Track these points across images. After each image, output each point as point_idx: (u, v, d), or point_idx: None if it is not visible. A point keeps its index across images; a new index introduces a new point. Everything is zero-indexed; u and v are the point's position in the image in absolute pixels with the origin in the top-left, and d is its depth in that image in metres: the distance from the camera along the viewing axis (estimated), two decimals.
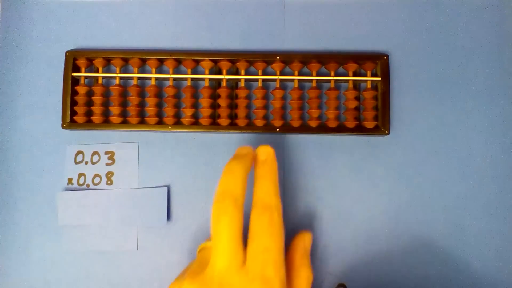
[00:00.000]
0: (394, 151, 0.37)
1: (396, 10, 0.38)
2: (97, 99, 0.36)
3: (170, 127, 0.36)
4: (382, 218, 0.36)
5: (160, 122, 0.37)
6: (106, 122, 0.37)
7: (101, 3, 0.38)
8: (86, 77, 0.37)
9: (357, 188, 0.36)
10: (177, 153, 0.37)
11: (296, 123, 0.36)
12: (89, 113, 0.37)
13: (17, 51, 0.38)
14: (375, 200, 0.36)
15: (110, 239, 0.37)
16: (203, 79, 0.37)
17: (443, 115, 0.37)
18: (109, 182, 0.37)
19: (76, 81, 0.37)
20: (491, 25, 0.37)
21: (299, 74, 0.37)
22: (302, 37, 0.38)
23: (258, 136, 0.37)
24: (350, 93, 0.36)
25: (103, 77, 0.37)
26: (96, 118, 0.36)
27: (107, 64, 0.38)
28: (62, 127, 0.36)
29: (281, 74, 0.37)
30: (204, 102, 0.36)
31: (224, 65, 0.36)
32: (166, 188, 0.37)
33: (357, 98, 0.36)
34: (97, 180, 0.37)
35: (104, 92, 0.37)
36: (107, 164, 0.37)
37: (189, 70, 0.37)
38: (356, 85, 0.37)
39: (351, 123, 0.36)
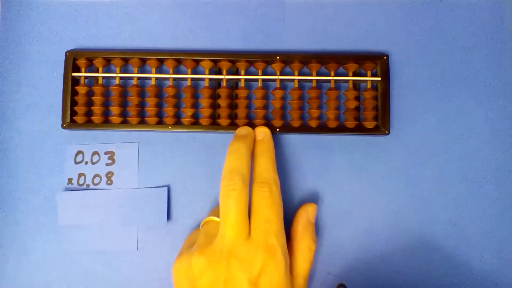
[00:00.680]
0: (394, 151, 0.37)
1: (396, 10, 0.38)
2: (97, 99, 0.36)
3: (170, 127, 0.36)
4: (382, 218, 0.36)
5: (160, 122, 0.37)
6: (106, 122, 0.37)
7: (101, 3, 0.38)
8: (86, 77, 0.37)
9: (357, 188, 0.36)
10: (177, 153, 0.37)
11: (296, 123, 0.36)
12: (89, 113, 0.37)
13: (17, 51, 0.38)
14: (375, 200, 0.36)
15: (110, 239, 0.37)
16: (203, 79, 0.37)
17: (443, 115, 0.37)
18: (109, 182, 0.37)
19: (76, 81, 0.37)
20: (491, 25, 0.37)
21: (299, 74, 0.37)
22: (302, 37, 0.38)
23: None
24: (350, 93, 0.36)
25: (103, 77, 0.37)
26: (96, 118, 0.36)
27: (107, 64, 0.38)
28: (62, 127, 0.36)
29: (281, 74, 0.37)
30: (204, 102, 0.36)
31: (224, 65, 0.36)
32: (166, 188, 0.37)
33: (357, 98, 0.36)
34: (97, 180, 0.37)
35: (104, 92, 0.37)
36: (107, 164, 0.37)
37: (189, 70, 0.37)
38: (356, 85, 0.37)
39: (351, 123, 0.36)
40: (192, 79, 0.37)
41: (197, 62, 0.37)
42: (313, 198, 0.36)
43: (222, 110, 0.36)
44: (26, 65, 0.38)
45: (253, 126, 0.35)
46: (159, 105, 0.37)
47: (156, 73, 0.37)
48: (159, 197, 0.37)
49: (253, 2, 0.38)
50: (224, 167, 0.31)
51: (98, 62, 0.37)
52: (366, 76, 0.36)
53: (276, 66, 0.36)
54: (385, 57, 0.36)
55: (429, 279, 0.35)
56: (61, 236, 0.37)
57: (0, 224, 0.37)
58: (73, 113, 0.37)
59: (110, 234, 0.37)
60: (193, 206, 0.37)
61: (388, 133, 0.35)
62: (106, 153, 0.37)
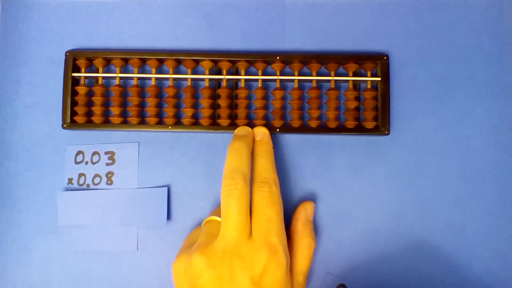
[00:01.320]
0: (394, 151, 0.37)
1: (396, 10, 0.38)
2: (97, 99, 0.36)
3: (170, 127, 0.36)
4: (382, 218, 0.36)
5: (160, 122, 0.37)
6: (106, 122, 0.37)
7: (101, 3, 0.38)
8: (86, 77, 0.37)
9: (357, 188, 0.36)
10: (177, 153, 0.37)
11: (296, 123, 0.36)
12: (89, 113, 0.37)
13: (17, 51, 0.38)
14: (375, 200, 0.36)
15: (110, 239, 0.37)
16: (203, 79, 0.37)
17: (443, 115, 0.37)
18: (109, 182, 0.37)
19: (76, 81, 0.37)
20: (491, 25, 0.37)
21: (299, 74, 0.37)
22: (302, 37, 0.38)
23: None
24: (350, 93, 0.36)
25: (103, 77, 0.37)
26: (96, 118, 0.36)
27: (107, 64, 0.38)
28: (62, 127, 0.36)
29: (281, 74, 0.37)
30: (204, 102, 0.36)
31: (224, 65, 0.36)
32: (166, 188, 0.37)
33: (357, 98, 0.36)
34: (97, 180, 0.37)
35: (104, 92, 0.37)
36: (107, 164, 0.37)
37: (189, 70, 0.37)
38: (356, 85, 0.37)
39: (351, 123, 0.36)
40: (192, 79, 0.37)
41: (197, 62, 0.37)
42: (313, 198, 0.36)
43: (222, 110, 0.36)
44: (26, 65, 0.38)
45: (253, 126, 0.35)
46: (159, 105, 0.37)
47: (156, 73, 0.37)
48: (159, 197, 0.37)
49: (253, 2, 0.38)
50: (225, 166, 0.31)
51: (98, 62, 0.37)
52: (366, 76, 0.36)
53: (276, 66, 0.36)
54: (385, 57, 0.36)
55: (429, 279, 0.35)
56: (61, 236, 0.37)
57: (1, 224, 0.37)
58: (73, 113, 0.37)
59: (110, 234, 0.37)
60: (193, 206, 0.37)
61: (388, 133, 0.35)
62: (106, 153, 0.37)
